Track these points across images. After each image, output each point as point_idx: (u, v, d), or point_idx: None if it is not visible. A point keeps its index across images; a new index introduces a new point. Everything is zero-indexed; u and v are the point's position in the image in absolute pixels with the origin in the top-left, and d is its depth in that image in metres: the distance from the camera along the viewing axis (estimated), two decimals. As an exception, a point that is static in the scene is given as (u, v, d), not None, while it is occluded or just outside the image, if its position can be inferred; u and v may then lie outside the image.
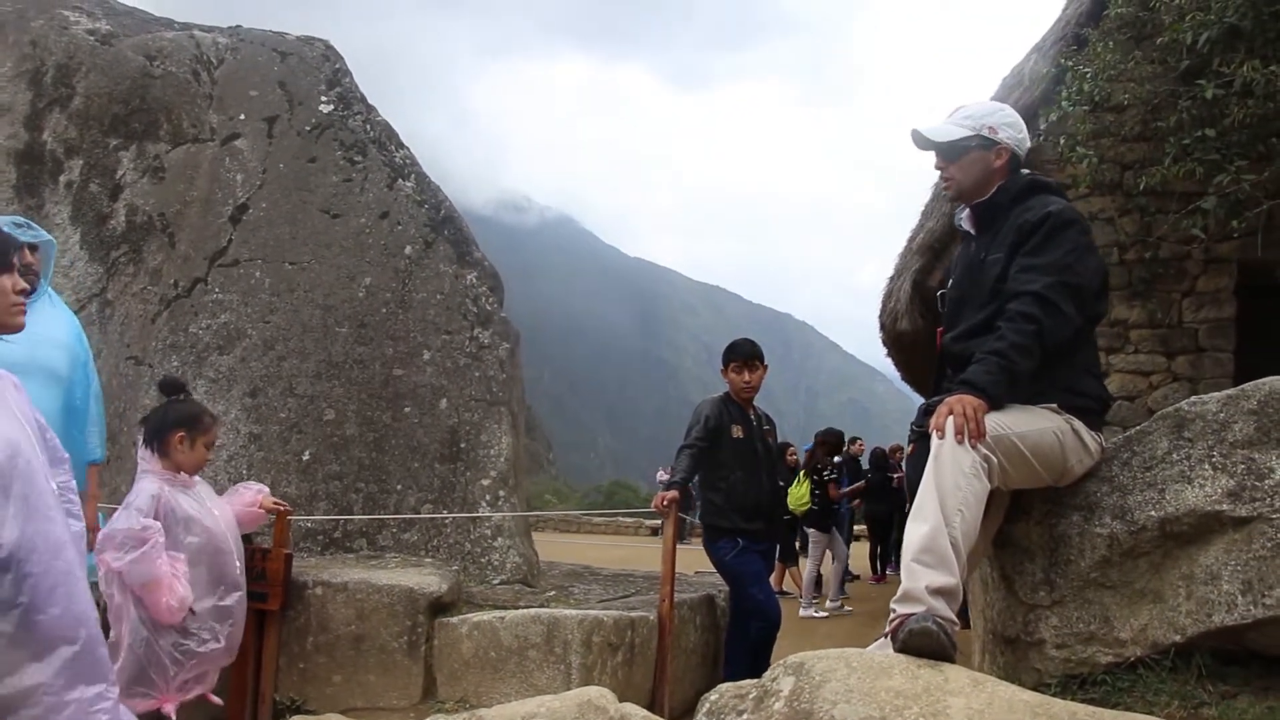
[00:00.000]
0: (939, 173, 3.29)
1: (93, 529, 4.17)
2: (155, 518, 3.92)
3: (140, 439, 4.17)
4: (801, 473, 11.05)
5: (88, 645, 2.42)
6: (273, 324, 6.16)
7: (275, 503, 4.58)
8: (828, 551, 11.16)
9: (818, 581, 11.09)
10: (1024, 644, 3.00)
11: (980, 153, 3.16)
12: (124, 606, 3.85)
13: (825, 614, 10.58)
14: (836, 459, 12.01)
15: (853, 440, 14.33)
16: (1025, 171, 3.23)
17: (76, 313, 6.51)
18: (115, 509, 4.18)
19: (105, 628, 3.95)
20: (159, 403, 4.31)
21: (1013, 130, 3.20)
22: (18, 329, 2.53)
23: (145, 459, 4.10)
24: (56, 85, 7.15)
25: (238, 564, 4.19)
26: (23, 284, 2.52)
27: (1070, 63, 7.64)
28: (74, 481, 2.72)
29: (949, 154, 3.21)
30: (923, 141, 3.25)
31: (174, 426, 4.13)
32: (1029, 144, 3.31)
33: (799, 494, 10.68)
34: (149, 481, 4.03)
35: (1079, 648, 2.88)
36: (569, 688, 4.09)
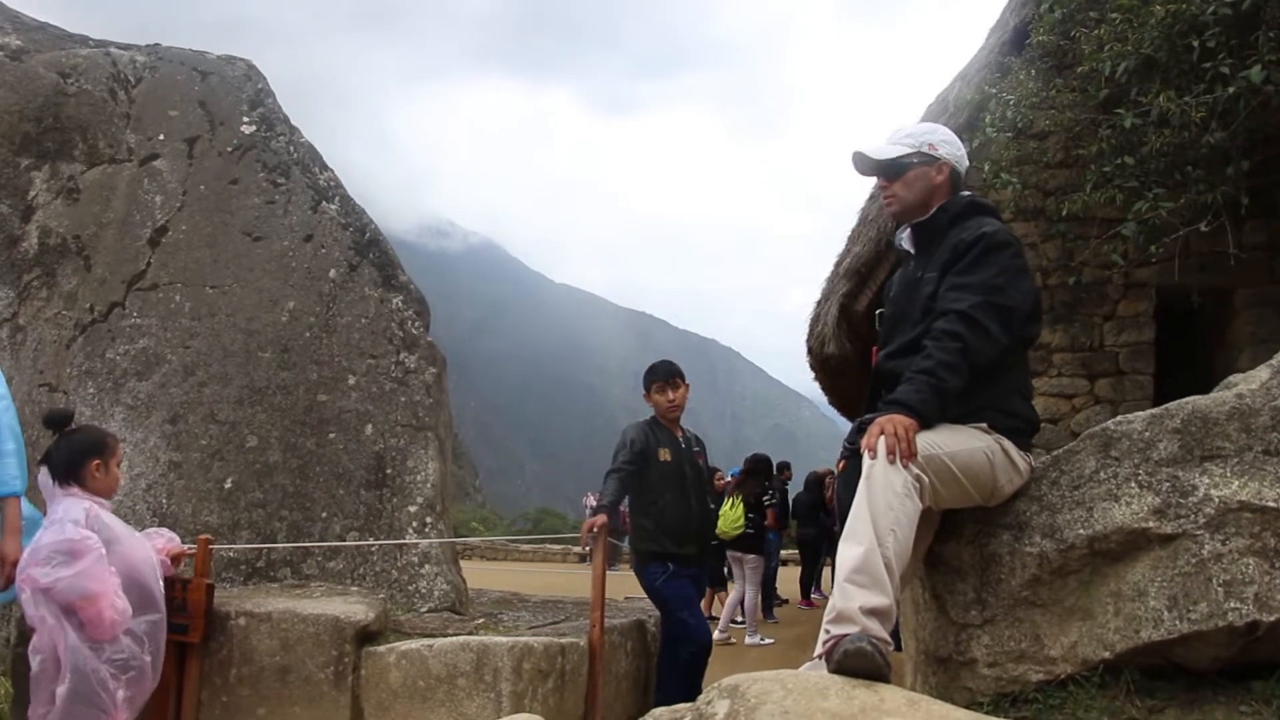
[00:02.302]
0: (881, 192, 3.33)
1: (11, 561, 4.01)
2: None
3: (48, 476, 4.00)
4: (734, 497, 10.97)
5: None
6: (193, 349, 6.01)
7: (183, 552, 4.46)
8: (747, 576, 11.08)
9: (762, 606, 11.02)
10: (956, 663, 3.01)
11: (922, 169, 3.19)
12: (58, 628, 3.70)
13: (772, 641, 10.53)
14: (766, 484, 12.05)
15: (782, 467, 14.37)
16: (965, 193, 3.27)
17: (-14, 338, 6.32)
18: None
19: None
20: (52, 439, 4.15)
21: (951, 147, 3.25)
22: None
23: (57, 491, 3.96)
24: (-38, 103, 6.92)
25: (158, 587, 4.08)
26: None
27: (994, 90, 7.80)
28: None
29: (891, 172, 3.24)
30: (864, 163, 3.30)
31: (87, 455, 4.02)
32: (967, 163, 3.35)
33: (733, 517, 10.64)
34: (74, 500, 3.92)
35: (1010, 666, 2.88)
36: (500, 716, 4.03)
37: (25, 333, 6.47)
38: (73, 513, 3.85)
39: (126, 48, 7.13)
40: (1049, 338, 7.89)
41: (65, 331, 6.28)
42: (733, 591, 11.17)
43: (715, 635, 10.13)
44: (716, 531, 10.91)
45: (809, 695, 2.22)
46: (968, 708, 2.80)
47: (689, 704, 2.42)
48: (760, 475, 11.39)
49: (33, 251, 6.57)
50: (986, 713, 2.76)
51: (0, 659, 5.39)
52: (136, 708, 3.99)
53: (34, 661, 3.76)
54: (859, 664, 2.36)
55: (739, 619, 11.47)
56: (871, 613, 2.48)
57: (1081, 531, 2.84)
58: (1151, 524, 2.73)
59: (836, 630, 2.50)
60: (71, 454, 4.02)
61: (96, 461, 4.03)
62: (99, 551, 3.78)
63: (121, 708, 3.84)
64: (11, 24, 7.56)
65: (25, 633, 4.48)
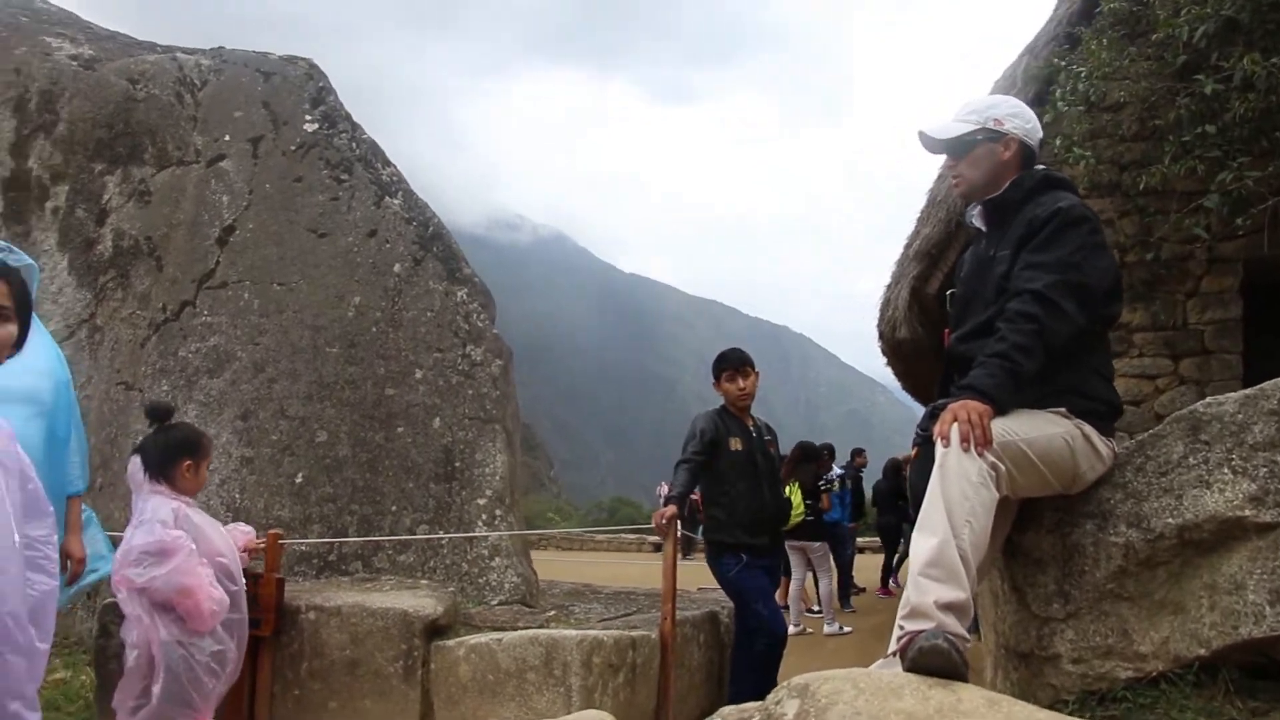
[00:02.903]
0: (948, 171, 3.19)
1: (78, 559, 4.08)
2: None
3: (139, 468, 4.04)
4: (790, 485, 10.77)
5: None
6: (262, 346, 6.06)
7: (257, 545, 4.50)
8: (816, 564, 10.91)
9: (841, 594, 10.85)
10: (1038, 659, 2.88)
11: (988, 145, 3.05)
12: (151, 626, 3.77)
13: (851, 630, 10.37)
14: (837, 472, 11.88)
15: (857, 453, 14.17)
16: (1040, 167, 3.12)
17: (66, 339, 6.46)
18: (119, 535, 4.10)
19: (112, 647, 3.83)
20: (151, 430, 4.19)
21: (1020, 120, 3.08)
22: None
23: (146, 485, 4.00)
24: (41, 112, 7.09)
25: (242, 581, 4.12)
26: None
27: (1063, 62, 7.56)
28: (55, 536, 2.59)
29: (956, 150, 3.11)
30: (929, 142, 3.16)
31: (181, 455, 4.06)
32: (1040, 134, 3.18)
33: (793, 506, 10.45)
34: (162, 499, 3.96)
35: (1097, 662, 2.75)
36: (569, 711, 3.99)
37: (103, 333, 6.61)
38: (160, 513, 3.88)
39: (192, 52, 7.23)
40: (1129, 317, 7.63)
41: (140, 331, 6.38)
42: (793, 582, 11.01)
43: (825, 629, 10.07)
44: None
45: (882, 695, 2.13)
46: (1051, 706, 2.69)
47: (757, 703, 2.34)
48: (811, 461, 11.18)
49: (108, 254, 6.71)
50: (1072, 711, 2.64)
51: (85, 650, 5.54)
52: (219, 698, 4.04)
53: (129, 656, 3.83)
54: (935, 662, 2.26)
55: (814, 608, 11.33)
56: (947, 607, 2.38)
57: (1170, 520, 2.69)
58: (1248, 512, 2.57)
59: (911, 626, 2.39)
60: (167, 450, 4.05)
61: (189, 462, 4.06)
62: (189, 547, 3.83)
63: (211, 701, 3.91)
64: (84, 34, 7.71)
65: (106, 625, 4.58)
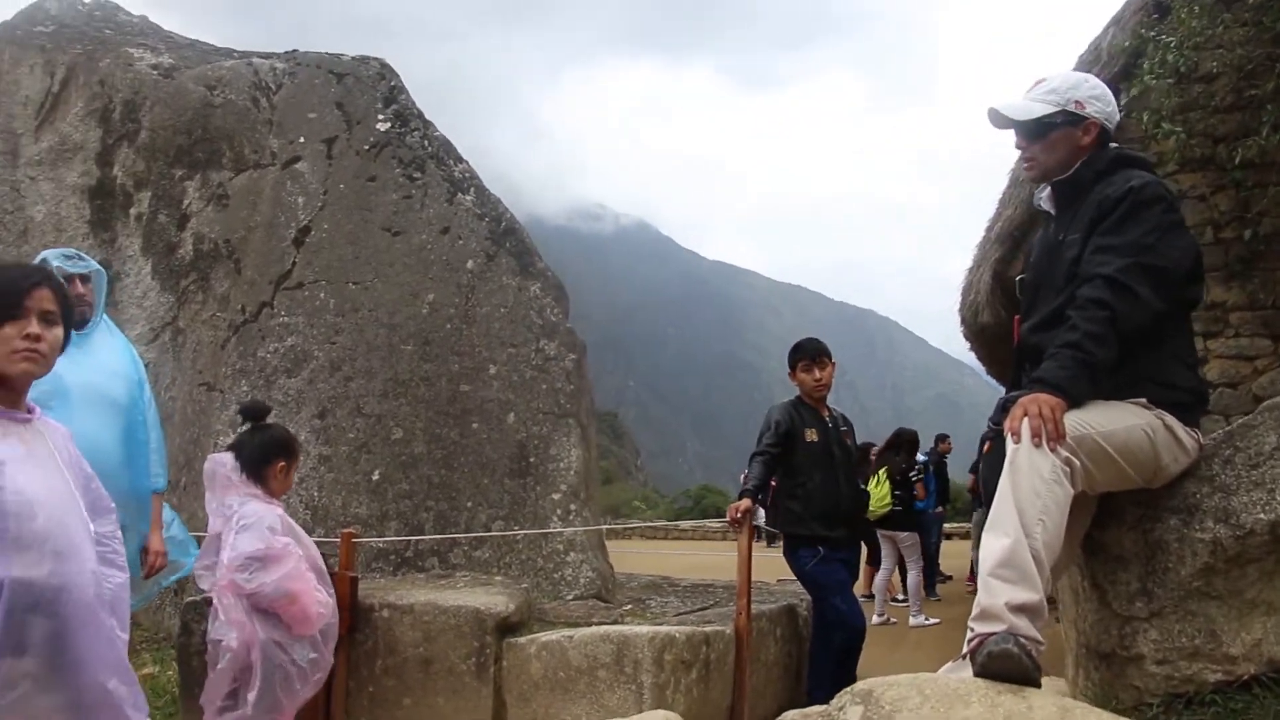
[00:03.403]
0: (1021, 153, 3.02)
1: (156, 552, 4.19)
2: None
3: (230, 466, 4.04)
4: (881, 472, 10.60)
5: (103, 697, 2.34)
6: (339, 345, 6.13)
7: None
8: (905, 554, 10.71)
9: (925, 584, 10.66)
10: (1121, 659, 2.76)
11: (1067, 130, 2.87)
12: (253, 629, 3.74)
13: (938, 620, 10.18)
14: (921, 458, 11.64)
15: (941, 439, 13.90)
16: (1113, 146, 2.94)
17: (151, 341, 6.61)
18: (202, 535, 4.14)
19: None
20: (245, 429, 4.22)
21: (1101, 103, 2.90)
22: (20, 376, 2.44)
23: (239, 484, 3.99)
24: (124, 121, 7.27)
25: (333, 592, 4.11)
26: (35, 329, 2.43)
27: (1152, 33, 7.27)
28: (120, 531, 2.66)
29: (1031, 133, 2.92)
30: (1001, 120, 2.97)
31: (276, 455, 4.06)
32: (1118, 117, 3.00)
33: (879, 495, 10.28)
34: (265, 506, 3.94)
35: (1183, 664, 2.62)
36: (641, 709, 3.95)
37: (185, 335, 6.75)
38: (268, 519, 3.86)
39: (266, 56, 7.35)
40: (1224, 296, 7.33)
41: (220, 332, 6.50)
42: (881, 571, 10.83)
43: (873, 619, 9.88)
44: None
45: (948, 702, 2.05)
46: (1135, 708, 2.58)
47: (820, 707, 2.28)
48: (901, 450, 10.98)
49: (189, 257, 6.85)
50: (1156, 715, 2.53)
51: (173, 646, 5.66)
52: (304, 702, 4.06)
53: (222, 658, 3.78)
54: (1005, 667, 2.17)
55: (899, 596, 11.13)
56: (1019, 609, 2.28)
57: (1262, 516, 2.55)
58: (1345, 506, 2.43)
59: (982, 629, 2.30)
60: (265, 450, 4.05)
61: (283, 464, 4.07)
62: (298, 554, 3.84)
63: (297, 705, 3.89)
64: (165, 44, 7.90)
65: (188, 623, 4.66)
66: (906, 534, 10.45)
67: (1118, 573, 2.79)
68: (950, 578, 13.77)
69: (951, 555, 14.50)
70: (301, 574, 3.82)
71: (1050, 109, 2.88)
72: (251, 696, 3.71)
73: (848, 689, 2.21)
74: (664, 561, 13.19)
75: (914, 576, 10.47)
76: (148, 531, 4.26)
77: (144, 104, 7.24)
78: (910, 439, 11.17)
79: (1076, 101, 2.88)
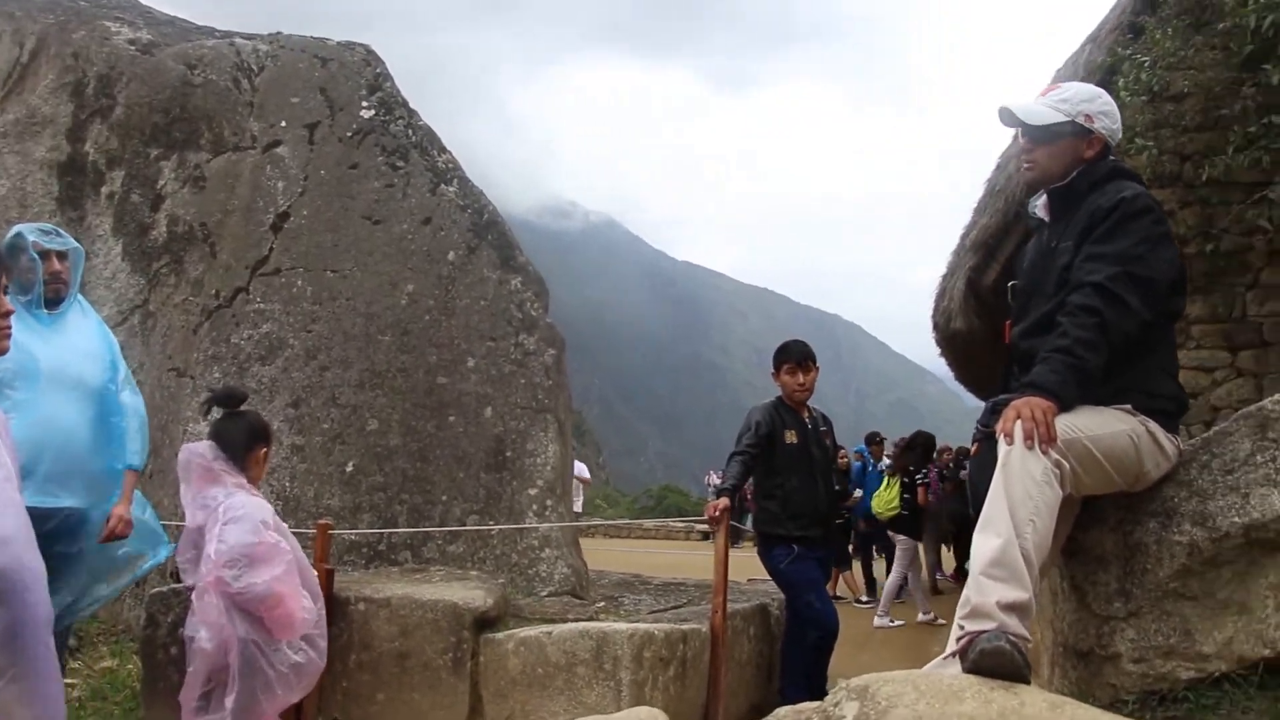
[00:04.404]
0: (1023, 154, 3.10)
1: (120, 516, 4.06)
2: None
3: (215, 454, 3.91)
4: (890, 476, 10.69)
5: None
6: (315, 333, 6.10)
7: None
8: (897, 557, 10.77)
9: (898, 591, 10.76)
10: (1098, 658, 2.82)
11: (1073, 140, 2.96)
12: (230, 628, 3.60)
13: (901, 623, 10.26)
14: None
15: (944, 450, 14.01)
16: (1110, 159, 3.03)
17: (119, 324, 6.52)
18: (179, 525, 4.06)
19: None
20: (221, 416, 4.16)
21: (1109, 120, 2.99)
22: None
23: (224, 473, 3.88)
24: (98, 96, 7.15)
25: (320, 593, 4.05)
26: (7, 306, 2.40)
27: (1127, 52, 7.42)
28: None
29: (1040, 137, 3.00)
30: (1012, 120, 3.05)
31: (259, 441, 4.03)
32: (1120, 136, 3.10)
33: (887, 497, 10.38)
34: (253, 499, 3.86)
35: (1158, 662, 2.69)
36: (620, 706, 3.96)
37: (155, 319, 6.67)
38: (260, 513, 3.78)
39: (250, 38, 7.28)
40: (1188, 308, 7.48)
41: (192, 317, 6.44)
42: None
43: (876, 620, 9.98)
44: (873, 511, 10.68)
45: (943, 698, 2.09)
46: (1111, 705, 2.64)
47: (814, 704, 2.32)
48: (917, 451, 11.04)
49: (162, 239, 6.77)
50: (1131, 712, 2.60)
51: (133, 639, 5.56)
52: (287, 705, 3.96)
53: (195, 656, 3.65)
54: (996, 664, 2.22)
55: (863, 598, 11.24)
56: (1010, 608, 2.33)
57: (1236, 519, 2.63)
58: (1318, 512, 2.50)
59: (972, 626, 2.35)
60: (247, 436, 4.00)
61: (265, 450, 4.05)
62: (290, 555, 3.75)
63: (278, 709, 3.78)
64: (143, 19, 7.79)
65: (154, 615, 4.60)
66: (904, 538, 10.51)
67: (1097, 574, 2.86)
68: (949, 577, 13.89)
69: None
70: (289, 577, 3.72)
71: (1061, 118, 2.96)
72: (229, 702, 3.59)
73: (844, 684, 2.25)
74: (631, 559, 13.21)
75: (894, 579, 10.54)
76: (116, 501, 4.13)
77: (120, 79, 7.11)
78: (924, 442, 11.25)
79: (1087, 115, 2.96)
